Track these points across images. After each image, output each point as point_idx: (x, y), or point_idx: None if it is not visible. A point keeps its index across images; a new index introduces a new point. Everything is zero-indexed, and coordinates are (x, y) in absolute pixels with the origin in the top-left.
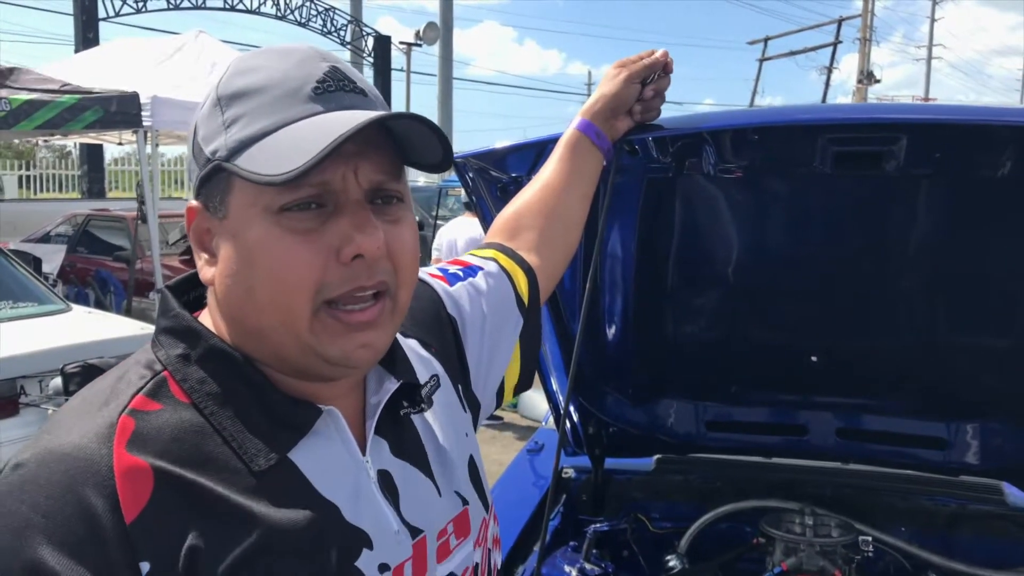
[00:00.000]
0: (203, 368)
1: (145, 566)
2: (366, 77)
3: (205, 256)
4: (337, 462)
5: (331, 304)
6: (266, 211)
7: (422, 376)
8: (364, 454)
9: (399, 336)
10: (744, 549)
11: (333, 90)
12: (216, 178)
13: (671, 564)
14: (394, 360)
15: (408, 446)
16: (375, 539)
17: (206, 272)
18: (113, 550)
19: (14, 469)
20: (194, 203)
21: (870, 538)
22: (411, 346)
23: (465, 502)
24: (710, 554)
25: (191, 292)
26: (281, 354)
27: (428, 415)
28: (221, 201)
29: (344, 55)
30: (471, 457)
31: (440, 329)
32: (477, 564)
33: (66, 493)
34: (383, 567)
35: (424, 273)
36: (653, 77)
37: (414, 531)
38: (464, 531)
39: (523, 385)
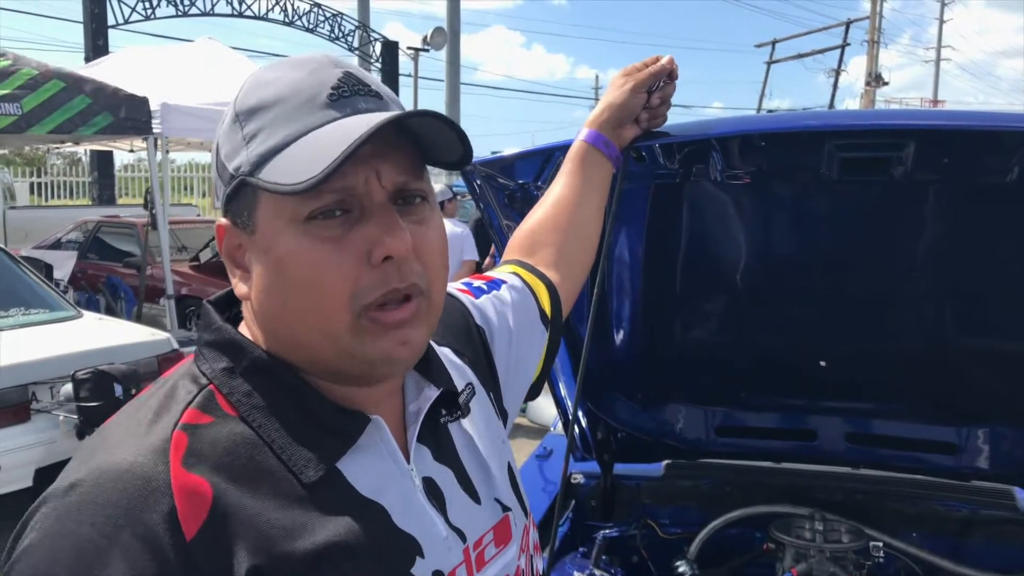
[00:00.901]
0: (248, 381)
1: None
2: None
3: (239, 272)
4: (383, 470)
5: (367, 308)
6: (293, 221)
7: (458, 384)
8: (408, 462)
9: (434, 344)
10: (754, 555)
11: (348, 95)
12: (242, 193)
13: (681, 570)
14: (430, 367)
15: (448, 453)
16: (425, 546)
17: (241, 288)
18: (176, 569)
19: (70, 489)
20: (223, 220)
21: (881, 543)
22: (445, 354)
23: (506, 509)
24: (720, 560)
25: (234, 307)
26: (321, 361)
27: (465, 422)
28: (249, 216)
29: (352, 61)
30: (509, 464)
31: (470, 338)
32: (522, 570)
33: (126, 513)
34: (436, 574)
35: (450, 287)
36: (659, 85)
37: (462, 536)
38: (504, 538)
39: (532, 395)
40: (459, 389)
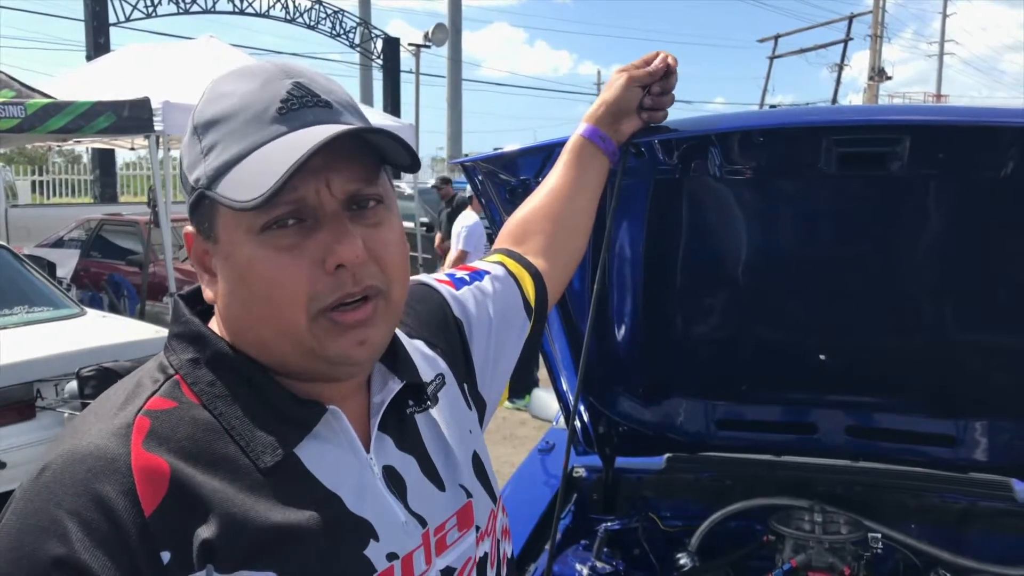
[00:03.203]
0: (212, 371)
1: (166, 555)
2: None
3: (207, 277)
4: (341, 459)
5: (324, 310)
6: (249, 232)
7: (427, 375)
8: (368, 452)
9: (404, 337)
10: (754, 547)
11: (297, 108)
12: (202, 205)
13: (682, 562)
14: (397, 360)
15: (412, 442)
16: (380, 530)
17: (208, 292)
18: (135, 541)
19: (40, 473)
20: (189, 228)
21: (879, 535)
22: (417, 346)
23: (469, 495)
24: (720, 552)
25: (204, 301)
26: (284, 360)
27: (433, 412)
28: (210, 226)
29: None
30: (475, 452)
31: (446, 331)
32: (486, 554)
33: (89, 491)
34: (391, 556)
35: (431, 278)
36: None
37: (423, 521)
38: (467, 523)
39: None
40: (428, 380)
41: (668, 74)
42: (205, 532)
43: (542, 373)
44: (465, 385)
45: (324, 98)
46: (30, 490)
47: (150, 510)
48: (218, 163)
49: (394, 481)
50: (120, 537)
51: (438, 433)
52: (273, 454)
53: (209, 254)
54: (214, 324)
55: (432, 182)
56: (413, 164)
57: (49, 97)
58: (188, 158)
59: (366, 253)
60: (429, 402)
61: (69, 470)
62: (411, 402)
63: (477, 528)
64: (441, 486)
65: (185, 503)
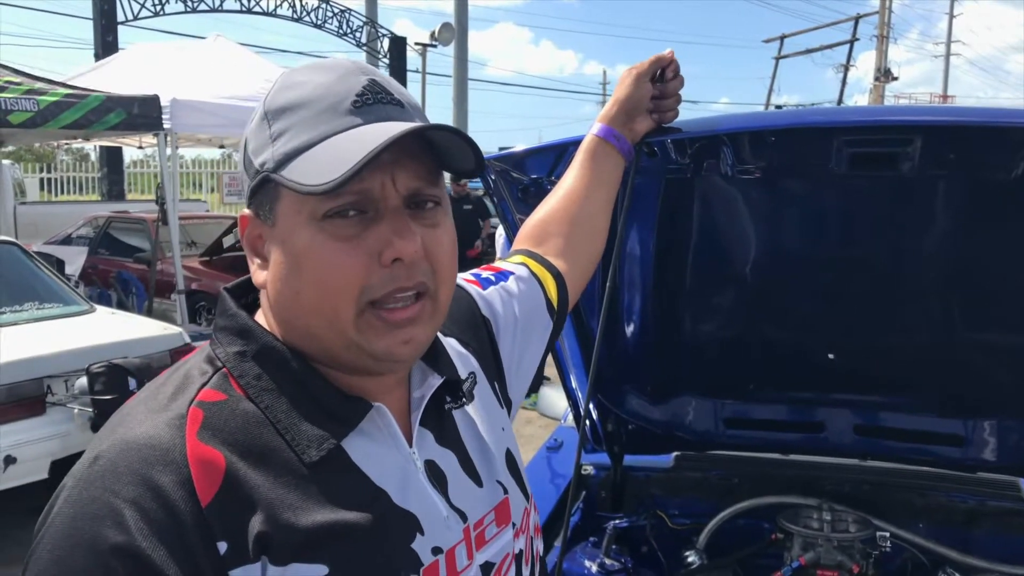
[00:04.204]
0: (258, 364)
1: (223, 546)
2: (405, 91)
3: (258, 261)
4: (385, 454)
5: (374, 304)
6: (311, 218)
7: (462, 372)
8: (411, 445)
9: (440, 335)
10: (762, 545)
11: (372, 103)
12: (265, 188)
13: (690, 560)
14: (436, 356)
15: (451, 437)
16: (424, 523)
17: (259, 276)
18: (192, 532)
19: (93, 462)
20: (246, 211)
21: (887, 533)
22: (450, 344)
23: (506, 491)
24: (728, 550)
25: (249, 294)
26: (330, 352)
27: (469, 409)
28: (270, 210)
29: (359, 57)
30: (508, 450)
31: (476, 329)
32: (521, 551)
33: (145, 480)
34: (436, 550)
35: (459, 278)
36: (662, 73)
37: (463, 516)
38: (504, 519)
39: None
40: (463, 378)
41: (675, 75)
42: (259, 524)
43: (551, 371)
44: (495, 383)
45: (397, 97)
46: (84, 478)
47: (206, 500)
48: (288, 148)
49: (435, 475)
50: (178, 527)
51: (475, 430)
52: (319, 449)
53: (263, 239)
54: (260, 317)
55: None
56: (477, 167)
57: (67, 87)
58: (255, 142)
59: (423, 250)
60: (465, 399)
61: (124, 459)
62: (448, 398)
63: (513, 525)
64: (479, 482)
65: (240, 495)
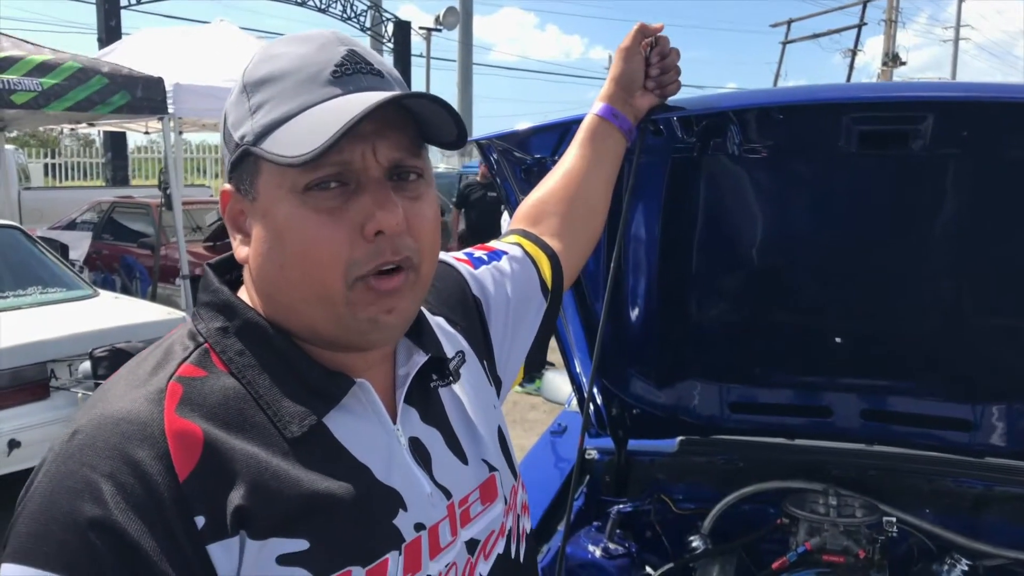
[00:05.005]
0: (241, 340)
1: (200, 520)
2: (386, 62)
3: (240, 236)
4: (369, 430)
5: (362, 279)
6: (292, 191)
7: (449, 351)
8: (395, 423)
9: (427, 313)
10: (768, 530)
11: (351, 73)
12: (245, 162)
13: (694, 544)
14: (421, 334)
15: (436, 415)
16: (408, 500)
17: (241, 251)
18: (169, 506)
19: (72, 436)
20: (227, 186)
21: (894, 519)
22: (438, 323)
23: (493, 469)
24: (733, 535)
25: (234, 271)
26: (314, 327)
27: (456, 387)
28: (251, 183)
29: (364, 41)
30: (499, 428)
31: (465, 308)
32: (510, 529)
33: (122, 454)
34: (419, 526)
35: (450, 257)
36: (654, 43)
37: (447, 493)
38: (490, 497)
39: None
40: (449, 356)
41: (664, 47)
42: (238, 498)
43: (556, 356)
44: (485, 362)
45: (377, 68)
46: (62, 453)
47: (184, 475)
48: (267, 120)
49: (419, 453)
50: (155, 501)
51: (461, 409)
52: (300, 424)
53: (244, 213)
54: (243, 294)
55: (442, 167)
56: (459, 139)
57: (77, 60)
58: (234, 115)
59: (405, 223)
60: (451, 377)
61: (102, 433)
62: (435, 376)
63: (505, 500)
64: (464, 460)
65: (218, 469)
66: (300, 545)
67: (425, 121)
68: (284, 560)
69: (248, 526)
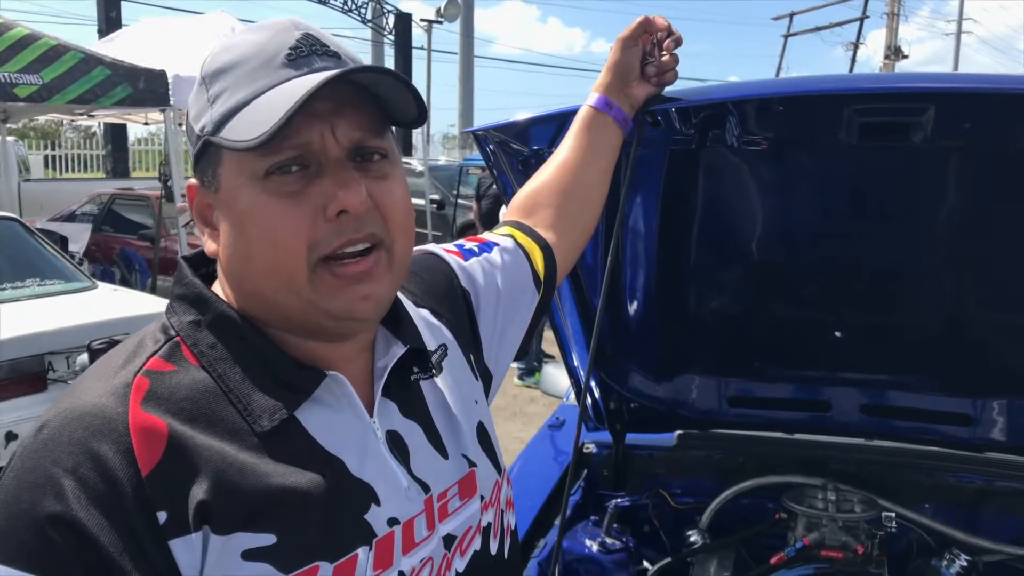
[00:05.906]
0: (213, 333)
1: (162, 515)
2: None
3: (208, 230)
4: (343, 423)
5: (326, 261)
6: (253, 178)
7: (431, 344)
8: (372, 416)
9: (410, 305)
10: (766, 525)
11: (306, 55)
12: (207, 153)
13: (692, 539)
14: (400, 325)
15: (417, 409)
16: (382, 494)
17: (210, 245)
18: (130, 501)
19: (39, 431)
20: (193, 181)
21: (893, 514)
22: (422, 315)
23: (472, 464)
24: (732, 529)
25: (210, 264)
26: (287, 316)
27: (438, 381)
28: (213, 175)
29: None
30: (480, 423)
31: (452, 301)
32: (490, 524)
33: (86, 449)
34: (392, 521)
35: (440, 248)
36: (658, 43)
37: (425, 487)
38: (469, 492)
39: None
40: (432, 349)
41: (662, 33)
42: (201, 493)
43: (554, 349)
44: (471, 355)
45: (333, 49)
46: (28, 447)
47: (147, 470)
48: (224, 109)
49: (397, 446)
50: (116, 496)
51: (443, 402)
52: (271, 418)
53: (211, 207)
54: (217, 288)
55: (443, 159)
56: (420, 116)
57: (80, 50)
58: (195, 108)
59: (369, 201)
60: (433, 370)
61: (67, 428)
62: (416, 369)
63: (482, 498)
64: (444, 454)
65: (182, 464)
66: (267, 540)
67: (387, 101)
68: (249, 555)
69: (212, 521)
